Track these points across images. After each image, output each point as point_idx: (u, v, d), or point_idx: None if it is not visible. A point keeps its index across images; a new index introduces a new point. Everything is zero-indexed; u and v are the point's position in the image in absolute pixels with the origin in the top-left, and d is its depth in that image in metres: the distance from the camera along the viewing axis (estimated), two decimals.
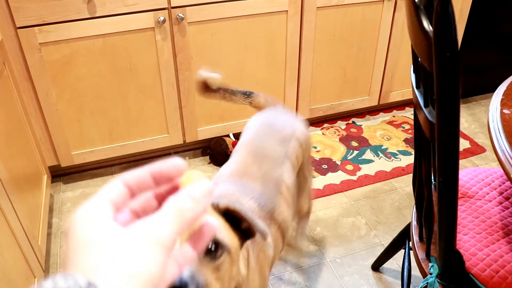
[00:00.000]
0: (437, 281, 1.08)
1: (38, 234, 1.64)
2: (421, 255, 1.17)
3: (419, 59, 0.85)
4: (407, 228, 1.49)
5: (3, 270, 1.23)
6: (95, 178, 2.19)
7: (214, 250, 0.67)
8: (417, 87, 0.93)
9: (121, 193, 0.37)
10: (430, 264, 1.11)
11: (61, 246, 1.83)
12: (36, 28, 1.74)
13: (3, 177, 1.37)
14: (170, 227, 0.33)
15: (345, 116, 2.67)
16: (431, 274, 1.10)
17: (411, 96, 2.68)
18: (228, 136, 2.28)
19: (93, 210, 0.34)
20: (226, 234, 0.73)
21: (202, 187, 0.36)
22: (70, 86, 1.91)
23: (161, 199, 0.39)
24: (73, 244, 0.32)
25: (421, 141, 1.08)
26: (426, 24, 0.73)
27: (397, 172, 2.22)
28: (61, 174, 2.20)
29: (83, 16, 1.78)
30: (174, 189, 0.39)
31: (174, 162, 0.37)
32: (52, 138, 2.01)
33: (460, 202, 1.23)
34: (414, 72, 0.96)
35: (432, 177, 1.16)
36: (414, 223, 1.26)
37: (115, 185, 0.37)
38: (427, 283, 1.10)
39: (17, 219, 1.41)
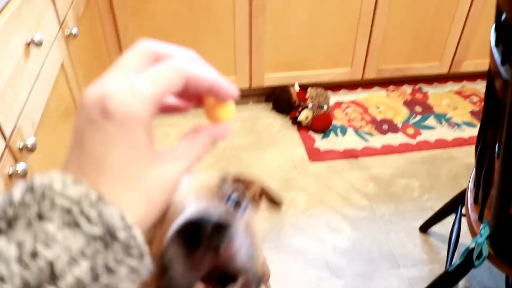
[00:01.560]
0: (486, 242, 1.10)
1: None
2: (474, 216, 1.18)
3: (503, 15, 0.84)
4: (462, 194, 1.49)
5: None
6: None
7: (236, 204, 0.58)
8: (496, 45, 0.93)
9: (174, 89, 0.32)
10: (482, 226, 1.13)
11: None
12: None
13: None
14: (195, 156, 0.34)
15: (412, 80, 2.62)
16: (481, 235, 1.12)
17: (484, 68, 2.58)
18: (293, 85, 2.31)
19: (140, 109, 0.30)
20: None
21: (227, 133, 0.36)
22: (147, 21, 2.00)
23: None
24: (89, 133, 0.30)
25: (491, 105, 1.08)
26: None
27: (459, 142, 2.19)
28: None
29: None
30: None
31: (233, 89, 0.35)
32: None
33: None
34: (495, 30, 0.95)
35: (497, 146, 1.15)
36: (471, 186, 1.27)
37: (177, 78, 0.32)
38: (475, 243, 1.12)
39: None
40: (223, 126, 0.36)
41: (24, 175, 0.87)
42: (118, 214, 0.28)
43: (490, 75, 1.04)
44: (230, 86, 0.35)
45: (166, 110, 0.38)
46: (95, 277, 0.27)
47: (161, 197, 0.32)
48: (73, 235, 0.27)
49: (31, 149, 0.93)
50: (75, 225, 0.27)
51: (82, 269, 0.27)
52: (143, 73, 0.31)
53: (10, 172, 0.86)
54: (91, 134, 0.29)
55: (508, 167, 0.95)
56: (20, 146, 0.91)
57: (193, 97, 0.38)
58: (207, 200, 0.53)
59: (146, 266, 0.30)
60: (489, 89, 1.08)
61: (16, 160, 0.90)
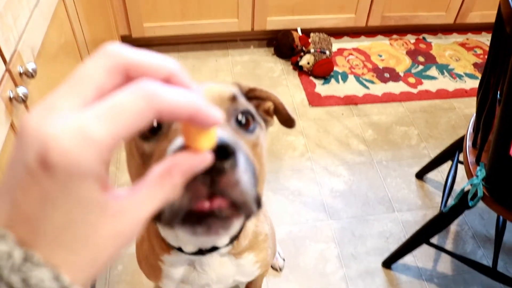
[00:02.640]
0: (482, 184, 1.12)
1: None
2: (471, 159, 1.19)
3: None
4: (460, 140, 1.50)
5: None
6: (161, 53, 2.27)
7: (245, 124, 0.54)
8: None
9: (139, 127, 0.25)
10: (478, 168, 1.14)
11: None
12: None
13: (87, 38, 1.47)
14: (162, 201, 0.28)
15: (416, 30, 2.58)
16: (477, 176, 1.13)
17: (491, 20, 2.55)
18: (296, 30, 2.27)
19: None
20: (255, 111, 0.60)
21: (205, 164, 0.30)
22: None
23: None
24: (24, 185, 0.24)
25: (497, 49, 1.07)
26: None
27: (460, 93, 2.18)
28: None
29: None
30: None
31: (216, 115, 0.28)
32: (127, 7, 2.07)
33: None
34: None
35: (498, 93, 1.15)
36: (470, 130, 1.28)
37: (145, 112, 0.25)
38: (471, 184, 1.14)
39: None
40: (201, 156, 0.30)
41: (24, 99, 0.87)
42: (50, 276, 0.23)
43: (499, 16, 1.03)
44: (213, 112, 0.28)
45: None
46: None
47: (112, 253, 0.26)
48: None
49: (32, 75, 0.92)
50: None
51: None
52: (101, 103, 0.24)
53: (11, 96, 0.85)
54: (26, 187, 0.24)
55: (509, 111, 0.96)
56: (21, 71, 0.90)
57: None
58: None
59: None
60: (497, 30, 1.06)
61: (16, 85, 0.89)
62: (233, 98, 0.54)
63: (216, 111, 0.28)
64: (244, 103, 0.55)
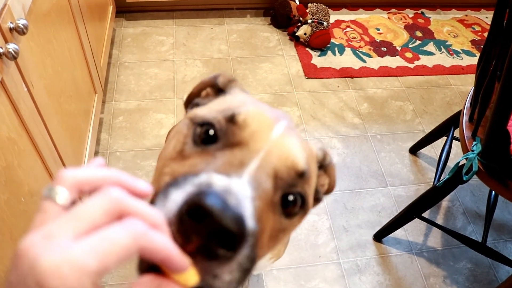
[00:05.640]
0: (477, 158, 1.11)
1: (101, 58, 1.73)
2: (467, 134, 1.19)
3: None
4: (456, 115, 1.49)
5: (74, 78, 1.33)
6: (156, 20, 2.22)
7: (292, 202, 0.46)
8: None
9: (124, 260, 0.30)
10: (474, 143, 1.14)
11: (118, 76, 1.92)
12: None
13: (81, 2, 1.43)
14: None
15: (415, 5, 2.54)
16: (473, 151, 1.13)
17: None
18: (293, 0, 2.23)
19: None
20: (312, 189, 0.52)
21: None
22: None
23: None
24: None
25: (499, 22, 1.05)
26: None
27: (456, 70, 2.16)
28: (124, 11, 2.24)
29: None
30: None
31: (184, 263, 0.33)
32: None
33: None
34: None
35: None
36: (467, 105, 1.27)
37: (130, 249, 0.30)
38: (466, 158, 1.14)
39: (87, 40, 1.49)
40: None
41: (16, 56, 0.84)
42: None
43: None
44: (182, 260, 0.32)
45: None
46: None
47: None
48: None
49: (23, 31, 0.89)
50: None
51: None
52: (95, 237, 0.29)
53: (0, 52, 0.82)
54: None
55: (509, 85, 0.94)
56: (11, 27, 0.87)
57: None
58: (261, 186, 0.41)
59: None
60: (501, 5, 1.04)
61: (6, 41, 0.86)
62: (301, 175, 0.46)
63: (184, 259, 0.32)
64: (304, 186, 0.47)
